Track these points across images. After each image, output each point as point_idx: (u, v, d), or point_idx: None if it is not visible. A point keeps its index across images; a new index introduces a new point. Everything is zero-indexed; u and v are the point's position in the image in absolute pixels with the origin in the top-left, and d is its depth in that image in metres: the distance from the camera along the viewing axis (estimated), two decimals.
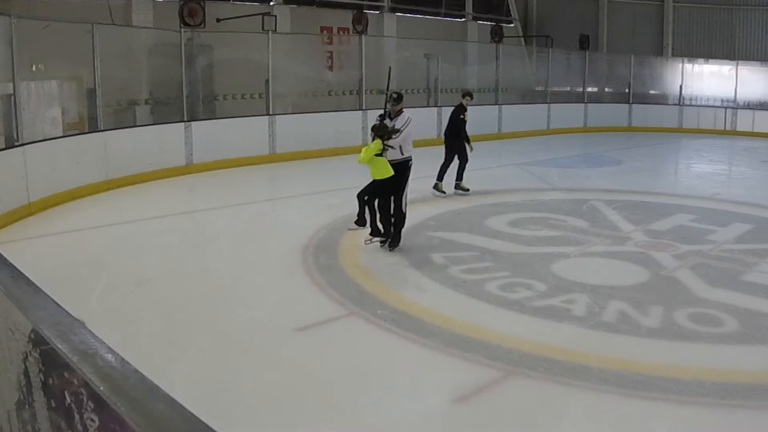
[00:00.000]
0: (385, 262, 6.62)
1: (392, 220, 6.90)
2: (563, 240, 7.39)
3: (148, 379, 0.93)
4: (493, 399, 4.04)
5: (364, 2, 17.62)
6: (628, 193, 10.25)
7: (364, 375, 4.34)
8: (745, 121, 19.49)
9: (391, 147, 6.76)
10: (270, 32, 12.79)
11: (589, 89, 20.77)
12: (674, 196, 10.33)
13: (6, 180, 7.84)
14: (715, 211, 9.09)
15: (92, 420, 0.97)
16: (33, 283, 1.32)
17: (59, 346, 1.03)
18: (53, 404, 1.13)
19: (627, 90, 21.01)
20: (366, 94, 14.55)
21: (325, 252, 6.85)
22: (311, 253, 6.80)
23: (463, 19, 20.43)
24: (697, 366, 4.36)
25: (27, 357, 1.19)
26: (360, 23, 15.27)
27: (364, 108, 14.30)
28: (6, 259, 1.50)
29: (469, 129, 9.97)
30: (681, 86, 20.81)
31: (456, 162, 9.81)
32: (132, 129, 11.35)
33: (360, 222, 6.86)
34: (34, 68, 10.66)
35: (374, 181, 6.77)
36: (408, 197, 7.09)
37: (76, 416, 1.01)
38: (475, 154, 9.90)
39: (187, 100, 11.74)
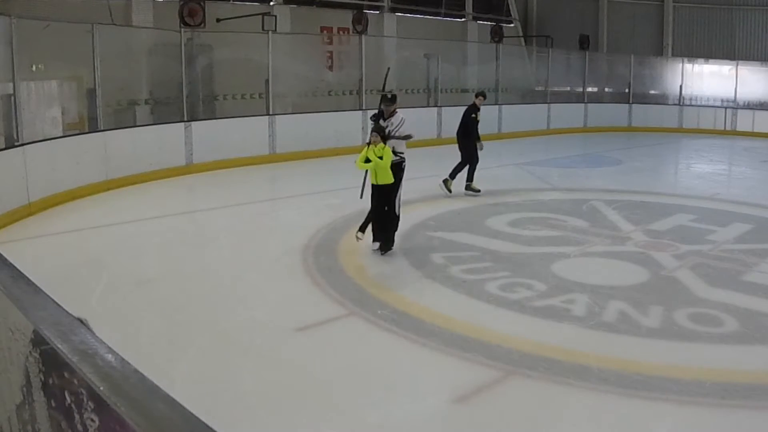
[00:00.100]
0: (385, 262, 6.61)
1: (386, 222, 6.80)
2: (563, 240, 7.39)
3: (148, 379, 0.93)
4: (493, 399, 4.04)
5: (364, 2, 17.62)
6: (628, 193, 10.25)
7: (364, 375, 4.34)
8: (745, 121, 19.50)
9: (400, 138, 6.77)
10: (270, 32, 12.80)
11: (589, 89, 20.78)
12: (674, 196, 10.33)
13: (6, 180, 7.84)
14: (715, 211, 9.09)
15: (92, 420, 0.97)
16: (33, 283, 1.32)
17: (59, 346, 1.03)
18: (53, 404, 1.13)
19: (627, 90, 21.02)
20: (366, 94, 14.55)
21: (325, 252, 6.85)
22: (311, 253, 6.80)
23: (463, 19, 20.44)
24: (697, 366, 4.36)
25: (27, 357, 1.19)
26: (360, 23, 15.28)
27: (364, 108, 14.30)
28: (6, 259, 1.50)
29: None
30: (681, 86, 20.82)
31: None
32: (132, 129, 11.35)
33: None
34: (34, 68, 10.67)
35: (374, 186, 6.71)
36: (403, 198, 7.02)
37: (76, 416, 1.01)
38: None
39: (187, 100, 11.75)
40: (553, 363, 4.35)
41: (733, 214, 8.85)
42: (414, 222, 7.89)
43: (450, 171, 9.69)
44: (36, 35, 9.38)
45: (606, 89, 21.72)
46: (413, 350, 4.62)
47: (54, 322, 1.11)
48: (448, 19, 20.01)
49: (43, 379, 1.16)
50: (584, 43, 20.17)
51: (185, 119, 11.64)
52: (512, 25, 21.76)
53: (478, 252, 6.89)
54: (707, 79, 20.89)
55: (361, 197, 6.95)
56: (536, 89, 20.07)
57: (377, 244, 6.78)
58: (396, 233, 6.91)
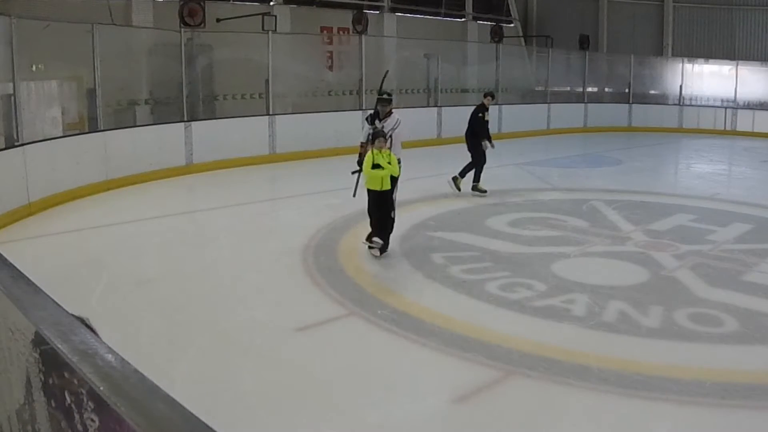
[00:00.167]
0: (385, 263, 6.61)
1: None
2: (563, 240, 7.39)
3: (148, 379, 0.93)
4: (493, 399, 4.04)
5: (364, 2, 17.62)
6: (628, 193, 10.25)
7: (364, 375, 4.34)
8: (745, 121, 19.50)
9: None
10: (270, 32, 12.80)
11: (589, 89, 20.77)
12: (674, 196, 10.33)
13: (6, 180, 7.84)
14: (715, 211, 9.09)
15: (92, 420, 0.97)
16: (33, 283, 1.32)
17: (59, 346, 1.03)
18: (53, 404, 1.13)
19: (627, 90, 21.02)
20: (366, 94, 14.55)
21: (325, 252, 6.85)
22: (311, 253, 6.80)
23: (463, 19, 20.43)
24: (697, 366, 4.36)
25: (27, 357, 1.19)
26: (360, 23, 15.28)
27: (364, 108, 14.28)
28: (6, 259, 1.50)
29: None
30: (681, 86, 20.82)
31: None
32: (132, 129, 11.35)
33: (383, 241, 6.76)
34: (34, 68, 10.67)
35: (373, 192, 6.64)
36: (403, 198, 7.02)
37: (76, 416, 1.01)
38: None
39: (187, 100, 11.75)
40: (553, 363, 4.35)
41: (733, 214, 8.85)
42: (414, 222, 7.90)
43: (459, 170, 9.71)
44: (36, 35, 9.38)
45: (606, 89, 21.72)
46: (413, 350, 4.62)
47: (54, 322, 1.11)
48: (448, 19, 20.00)
49: (43, 379, 1.16)
50: (584, 43, 20.17)
51: (185, 119, 11.64)
52: (512, 25, 21.76)
53: (478, 252, 6.90)
54: (707, 79, 20.89)
55: (354, 196, 6.96)
56: (536, 89, 20.07)
57: (377, 245, 6.78)
58: (392, 235, 6.86)
